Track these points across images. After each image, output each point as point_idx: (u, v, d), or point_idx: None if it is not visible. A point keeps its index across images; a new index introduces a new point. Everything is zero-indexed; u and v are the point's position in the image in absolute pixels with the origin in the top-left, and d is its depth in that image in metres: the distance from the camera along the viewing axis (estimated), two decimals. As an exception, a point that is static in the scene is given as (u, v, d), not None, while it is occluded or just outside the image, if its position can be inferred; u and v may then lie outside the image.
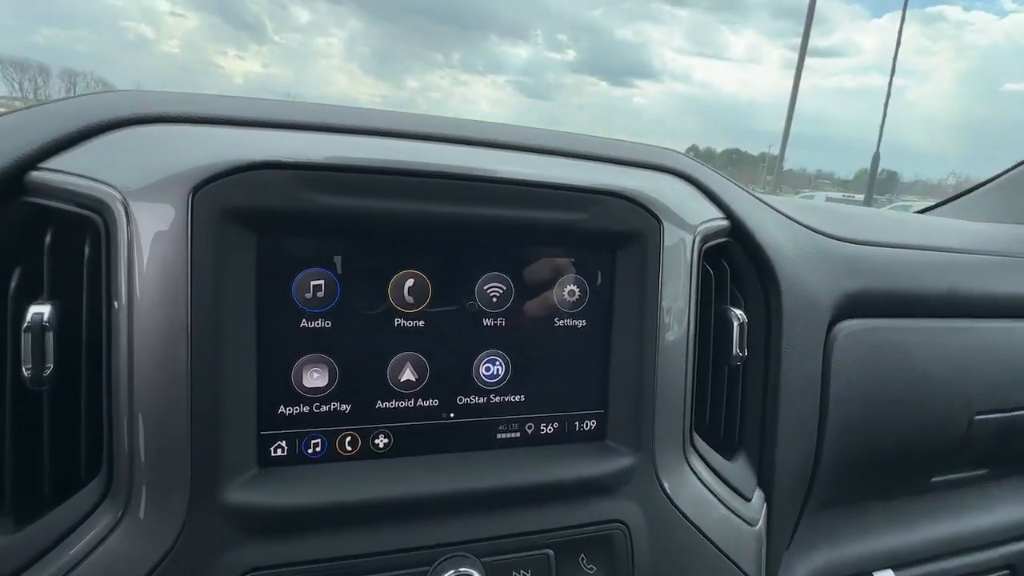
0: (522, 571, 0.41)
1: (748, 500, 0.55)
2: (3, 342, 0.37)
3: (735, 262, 0.57)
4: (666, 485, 0.47)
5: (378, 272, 0.41)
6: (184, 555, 0.36)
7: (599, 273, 0.47)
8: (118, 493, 0.37)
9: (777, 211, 0.64)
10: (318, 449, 0.41)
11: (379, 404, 0.42)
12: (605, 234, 0.46)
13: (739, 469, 0.57)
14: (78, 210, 0.37)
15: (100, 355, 0.37)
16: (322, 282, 0.40)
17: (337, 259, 0.40)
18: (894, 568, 0.77)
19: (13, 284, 0.37)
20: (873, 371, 0.68)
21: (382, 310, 0.41)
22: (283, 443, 0.40)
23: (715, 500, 0.51)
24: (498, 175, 0.42)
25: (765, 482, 0.59)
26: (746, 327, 0.54)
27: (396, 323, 0.42)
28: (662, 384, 0.48)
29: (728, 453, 0.57)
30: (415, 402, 0.43)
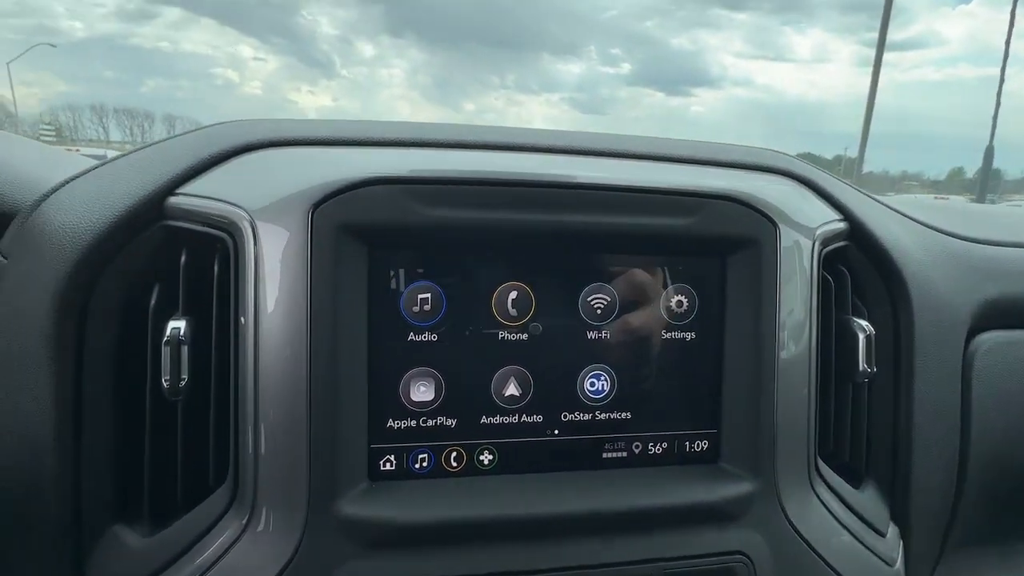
0: None
1: (883, 535, 0.49)
2: (144, 355, 0.40)
3: (855, 269, 0.52)
4: (791, 514, 0.43)
5: (482, 285, 0.41)
6: (304, 566, 0.36)
7: (709, 282, 0.44)
8: (243, 501, 0.38)
9: (897, 211, 0.58)
10: (425, 464, 0.41)
11: (484, 419, 0.41)
12: (715, 240, 0.43)
13: (870, 500, 0.51)
14: (210, 230, 0.39)
15: (228, 368, 0.39)
16: (429, 296, 0.40)
17: (444, 273, 0.40)
18: None
19: (153, 301, 0.40)
20: (1021, 389, 0.60)
21: (486, 323, 0.41)
22: (392, 457, 0.40)
23: (847, 534, 0.46)
24: (602, 182, 0.41)
25: (900, 516, 0.52)
26: (873, 339, 0.49)
27: (500, 336, 0.41)
28: (782, 402, 0.44)
29: (855, 482, 0.51)
30: (519, 418, 0.42)
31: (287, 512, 0.37)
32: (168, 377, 0.38)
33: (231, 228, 0.38)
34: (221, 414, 0.39)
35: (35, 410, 0.38)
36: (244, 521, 0.37)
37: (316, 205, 0.37)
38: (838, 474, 0.50)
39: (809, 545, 0.43)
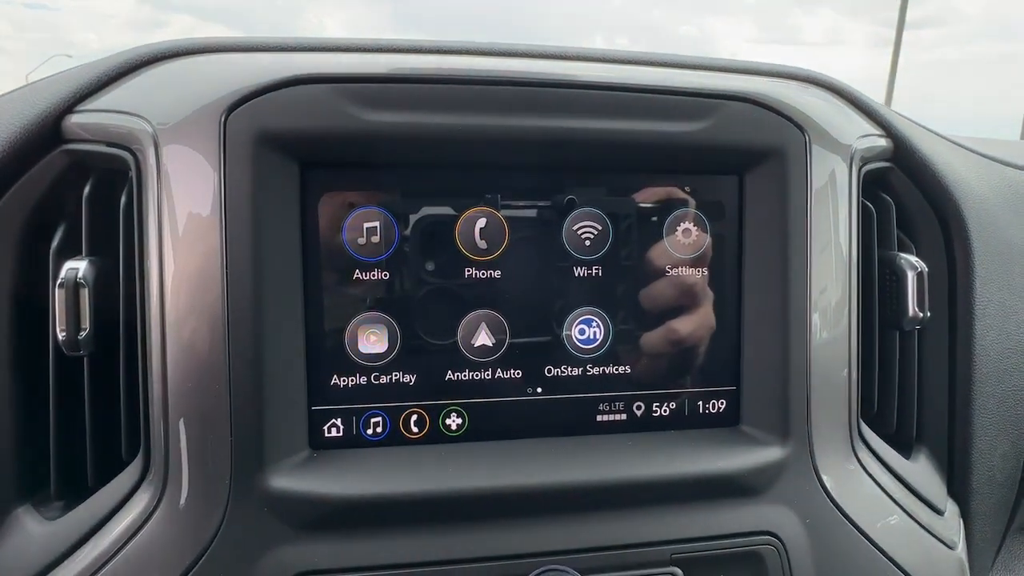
0: None
1: (940, 514, 0.41)
2: (47, 305, 0.33)
3: (900, 197, 0.44)
4: (830, 488, 0.35)
5: (443, 211, 0.33)
6: (225, 550, 0.30)
7: (723, 205, 0.36)
8: (156, 474, 0.31)
9: (948, 139, 0.50)
10: (379, 430, 0.34)
11: (450, 375, 0.34)
12: (731, 151, 0.35)
13: (923, 471, 0.42)
14: (111, 150, 0.32)
15: (136, 318, 0.32)
16: (377, 224, 0.33)
17: (393, 195, 0.33)
18: None
19: (55, 241, 0.34)
20: None
21: (450, 258, 0.34)
22: (338, 421, 0.33)
23: (899, 511, 0.38)
24: (591, 79, 0.33)
25: (958, 490, 0.44)
26: (926, 278, 0.41)
27: (467, 274, 0.34)
28: (817, 352, 0.36)
29: (904, 450, 0.43)
30: (494, 373, 0.34)
31: (205, 487, 0.30)
32: (64, 327, 0.32)
33: (132, 144, 0.32)
34: (131, 373, 0.33)
35: None
36: (157, 497, 0.31)
37: (229, 110, 0.30)
38: (885, 442, 0.42)
39: (854, 524, 0.35)
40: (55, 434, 0.34)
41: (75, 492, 0.34)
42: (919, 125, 0.48)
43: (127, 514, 0.31)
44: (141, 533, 0.31)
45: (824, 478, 0.35)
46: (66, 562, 0.32)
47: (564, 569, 0.30)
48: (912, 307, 0.40)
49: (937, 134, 0.50)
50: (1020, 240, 0.47)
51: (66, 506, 0.34)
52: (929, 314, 0.41)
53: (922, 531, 0.39)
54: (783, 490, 0.34)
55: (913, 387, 0.44)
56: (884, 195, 0.43)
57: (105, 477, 0.34)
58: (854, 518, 0.35)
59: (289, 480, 0.31)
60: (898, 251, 0.42)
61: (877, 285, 0.41)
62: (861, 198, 0.40)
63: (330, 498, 0.30)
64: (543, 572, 0.30)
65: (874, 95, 0.45)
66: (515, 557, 0.31)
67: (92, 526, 0.32)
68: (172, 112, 0.31)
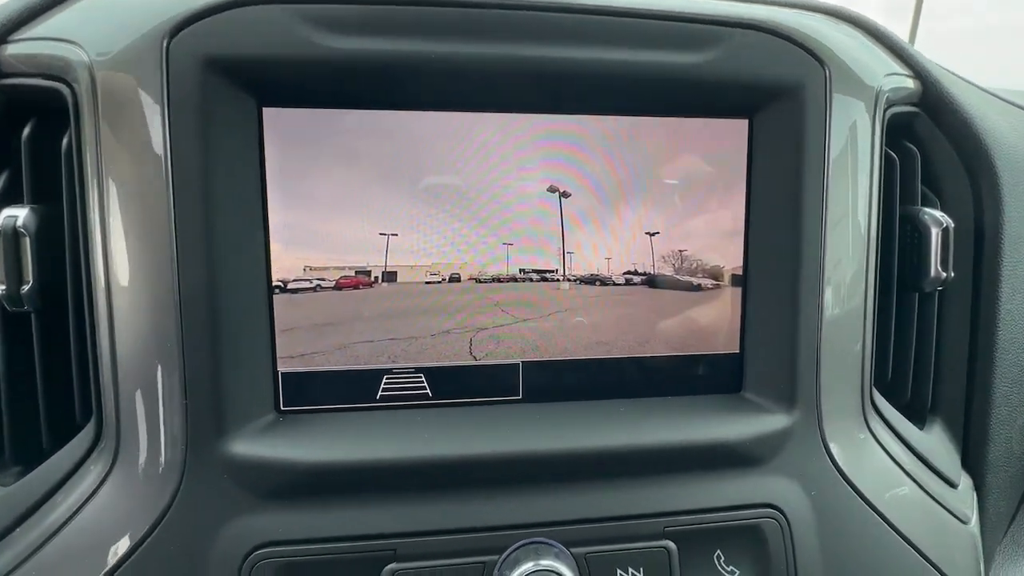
0: (630, 570, 0.29)
1: (954, 487, 0.39)
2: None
3: (928, 149, 0.40)
4: (838, 457, 0.33)
5: None
6: (181, 520, 0.28)
7: (729, 152, 0.32)
8: (108, 440, 0.29)
9: (985, 90, 0.45)
10: (349, 390, 0.31)
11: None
12: (740, 87, 0.31)
13: (937, 442, 0.40)
14: (45, 83, 0.29)
15: (81, 274, 0.30)
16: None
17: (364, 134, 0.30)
18: None
19: None
20: None
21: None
22: (306, 382, 0.31)
23: (911, 483, 0.35)
24: (578, 3, 0.29)
25: (974, 463, 0.41)
26: (951, 234, 0.37)
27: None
28: (829, 314, 0.33)
29: (918, 420, 0.40)
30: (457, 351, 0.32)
31: (159, 453, 0.28)
32: (3, 280, 0.29)
33: (67, 75, 0.28)
34: (81, 331, 0.30)
35: None
36: (109, 464, 0.29)
37: (172, 34, 0.27)
38: (900, 412, 0.39)
39: (862, 497, 0.33)
40: (5, 395, 0.31)
41: (31, 456, 0.32)
42: (950, 71, 0.44)
43: (80, 480, 0.29)
44: (93, 500, 0.28)
45: (832, 448, 0.33)
46: (19, 530, 0.30)
47: (546, 542, 0.28)
48: (935, 267, 0.37)
49: (969, 82, 0.45)
50: None
51: (22, 471, 0.32)
52: (953, 275, 0.38)
53: (934, 504, 0.36)
54: (787, 460, 0.32)
55: (931, 353, 0.41)
56: (908, 144, 0.39)
57: (61, 440, 0.31)
58: (863, 490, 0.33)
59: (252, 446, 0.28)
60: (921, 206, 0.39)
61: (897, 243, 0.38)
62: (884, 146, 0.36)
63: (296, 464, 0.28)
64: (522, 545, 0.28)
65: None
66: (494, 529, 0.28)
67: (45, 492, 0.30)
68: (110, 39, 0.28)
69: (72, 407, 0.32)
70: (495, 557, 0.28)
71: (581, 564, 0.28)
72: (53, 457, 0.31)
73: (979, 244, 0.40)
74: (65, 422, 0.32)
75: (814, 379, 0.32)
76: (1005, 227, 0.40)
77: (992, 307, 0.40)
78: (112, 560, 0.28)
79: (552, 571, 0.27)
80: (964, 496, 0.39)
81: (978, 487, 0.42)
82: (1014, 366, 0.41)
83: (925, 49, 0.40)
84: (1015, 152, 0.41)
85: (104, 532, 0.28)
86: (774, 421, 0.32)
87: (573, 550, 0.28)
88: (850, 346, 0.34)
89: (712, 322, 0.34)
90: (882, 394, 0.38)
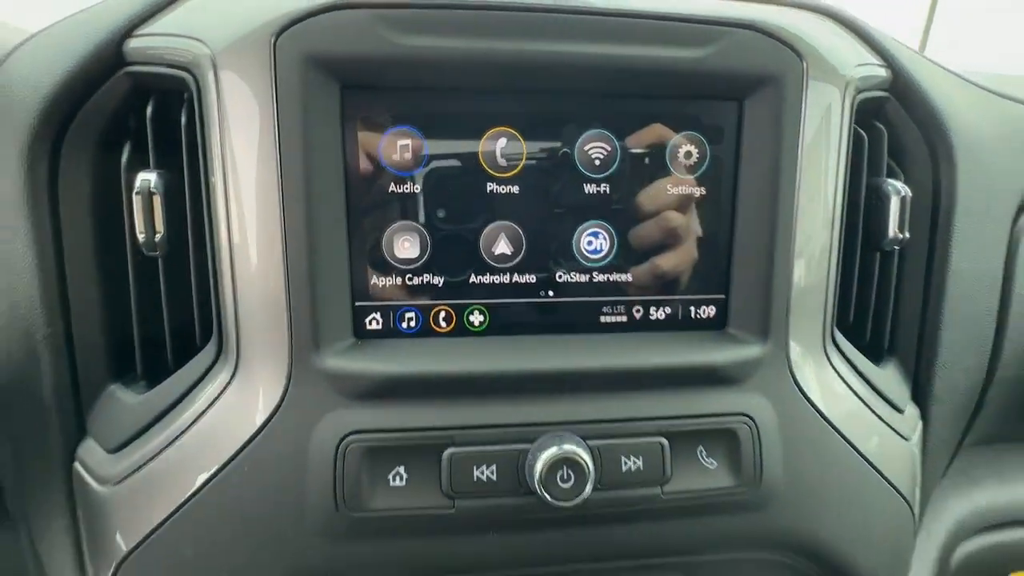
0: (632, 458, 0.37)
1: (900, 412, 0.47)
2: (123, 215, 0.38)
3: (895, 127, 0.46)
4: (800, 380, 0.40)
5: (468, 130, 0.37)
6: (289, 415, 0.36)
7: (723, 129, 0.39)
8: (228, 357, 0.37)
9: (952, 72, 0.51)
10: (412, 324, 0.39)
11: (473, 278, 0.39)
12: (732, 77, 0.38)
13: (890, 376, 0.48)
14: (172, 71, 0.36)
15: (203, 222, 0.37)
16: (409, 142, 0.37)
17: (425, 115, 0.37)
18: None
19: (124, 158, 0.38)
20: None
21: (473, 173, 0.38)
22: (378, 315, 0.39)
23: (861, 404, 0.43)
24: (606, 6, 0.36)
25: (921, 396, 0.49)
26: (908, 202, 0.44)
27: (488, 188, 0.38)
28: (800, 266, 0.40)
29: (876, 359, 0.48)
30: (511, 277, 0.39)
31: (270, 365, 0.36)
32: (142, 230, 0.37)
33: (192, 66, 0.35)
34: (202, 271, 0.38)
35: (20, 264, 0.37)
36: (230, 375, 0.37)
37: (278, 33, 0.34)
38: (860, 352, 0.47)
39: (818, 411, 0.41)
40: (137, 323, 0.40)
41: (156, 375, 0.40)
42: (924, 58, 0.50)
43: (206, 387, 0.37)
44: (218, 402, 0.37)
45: (796, 373, 0.40)
46: (157, 426, 0.38)
47: (567, 434, 0.36)
48: (892, 229, 0.44)
49: (942, 66, 0.51)
50: (1005, 166, 0.50)
51: (149, 385, 0.41)
52: (908, 235, 0.45)
53: (881, 423, 0.44)
54: (759, 381, 0.40)
55: (888, 304, 0.48)
56: (878, 123, 0.45)
57: (180, 362, 0.40)
58: (820, 407, 0.41)
59: (338, 360, 0.36)
60: (886, 177, 0.46)
61: (863, 208, 0.45)
62: (853, 125, 0.43)
63: (372, 374, 0.36)
64: (549, 435, 0.36)
65: (909, 40, 0.46)
66: (527, 425, 0.37)
67: (176, 398, 0.38)
68: (226, 35, 0.35)
69: (192, 334, 0.40)
70: (528, 445, 0.36)
71: (594, 452, 0.36)
72: (179, 372, 0.39)
73: (935, 211, 0.47)
74: (182, 347, 0.40)
75: (784, 319, 0.40)
76: (958, 198, 0.46)
77: (943, 267, 0.47)
78: (234, 447, 0.36)
79: (573, 454, 0.35)
80: (909, 420, 0.47)
81: (923, 416, 0.50)
82: (960, 316, 0.48)
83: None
84: (973, 131, 0.48)
85: (226, 427, 0.36)
86: (751, 351, 0.40)
87: (588, 442, 0.36)
88: (816, 293, 0.41)
89: (704, 272, 0.41)
90: (845, 335, 0.46)
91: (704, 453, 0.38)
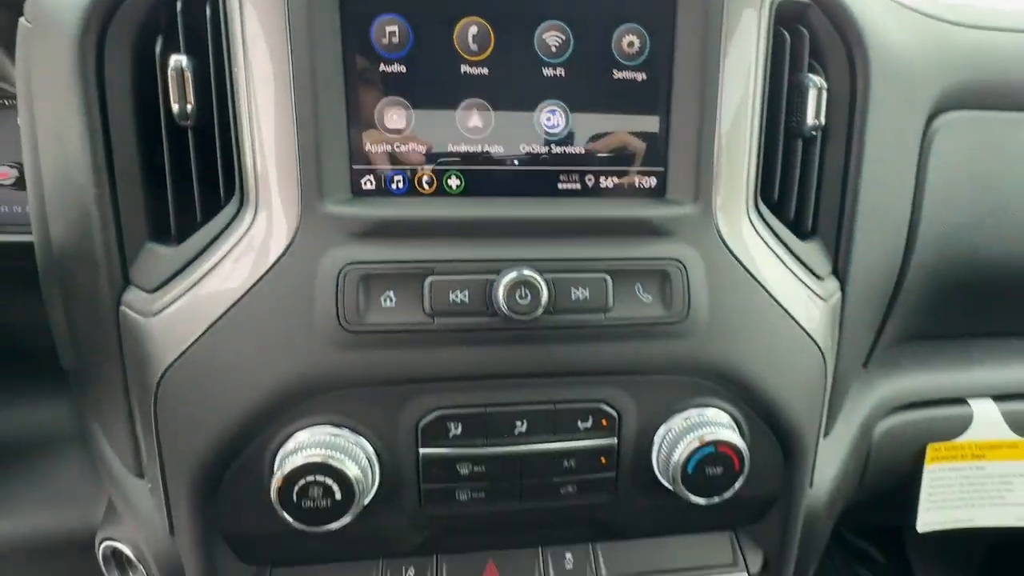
0: (580, 289, 0.45)
1: (819, 279, 0.55)
2: (158, 94, 0.46)
3: (818, 34, 0.54)
4: (725, 236, 0.48)
5: (444, 18, 0.45)
6: (298, 251, 0.44)
7: (661, 21, 0.47)
8: (248, 207, 0.45)
9: None
10: (400, 185, 0.47)
11: (451, 147, 0.47)
12: None
13: (811, 250, 0.56)
14: None
15: (227, 98, 0.45)
16: (396, 28, 0.44)
17: (408, 5, 0.44)
18: (996, 398, 0.72)
19: (159, 47, 0.46)
20: (980, 171, 0.62)
21: (450, 57, 0.45)
22: (371, 177, 0.47)
23: (781, 264, 0.51)
24: None
25: (841, 271, 0.57)
26: (824, 93, 0.52)
27: (462, 70, 0.46)
28: (724, 144, 0.48)
29: (801, 239, 0.56)
30: (483, 148, 0.47)
31: (283, 212, 0.44)
32: (176, 101, 0.45)
33: None
34: (225, 140, 0.46)
35: (74, 136, 0.45)
36: (250, 222, 0.45)
37: None
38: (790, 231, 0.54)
39: (740, 263, 0.49)
40: (171, 184, 0.47)
41: (187, 233, 0.48)
42: None
43: (230, 234, 0.45)
44: (241, 244, 0.45)
45: (721, 230, 0.48)
46: (190, 267, 0.46)
47: (527, 267, 0.44)
48: (811, 116, 0.52)
49: None
50: (918, 72, 0.57)
51: (182, 242, 0.49)
52: (824, 122, 0.53)
53: (799, 283, 0.52)
54: (690, 235, 0.48)
55: (811, 188, 0.56)
56: (801, 26, 0.53)
57: (208, 219, 0.48)
58: (742, 260, 0.49)
59: (339, 207, 0.44)
60: (808, 73, 0.53)
61: (785, 100, 0.53)
62: (777, 26, 0.50)
63: (367, 217, 0.44)
64: (511, 267, 0.44)
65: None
66: (494, 261, 0.45)
67: (205, 244, 0.46)
68: None
69: (217, 196, 0.48)
70: (494, 276, 0.44)
71: (548, 283, 0.44)
72: (206, 226, 0.47)
73: (852, 105, 0.55)
74: (211, 208, 0.48)
75: (710, 185, 0.48)
76: (872, 89, 0.54)
77: (859, 153, 0.55)
78: (255, 277, 0.44)
79: (530, 277, 0.43)
80: (827, 286, 0.55)
81: (843, 290, 0.57)
82: (876, 200, 0.56)
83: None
84: (888, 34, 0.55)
85: (248, 262, 0.44)
86: (683, 209, 0.48)
87: (544, 275, 0.44)
88: (739, 165, 0.49)
89: (646, 148, 0.49)
90: (773, 213, 0.54)
91: (641, 289, 0.47)
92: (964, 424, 0.71)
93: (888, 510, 0.77)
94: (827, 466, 0.61)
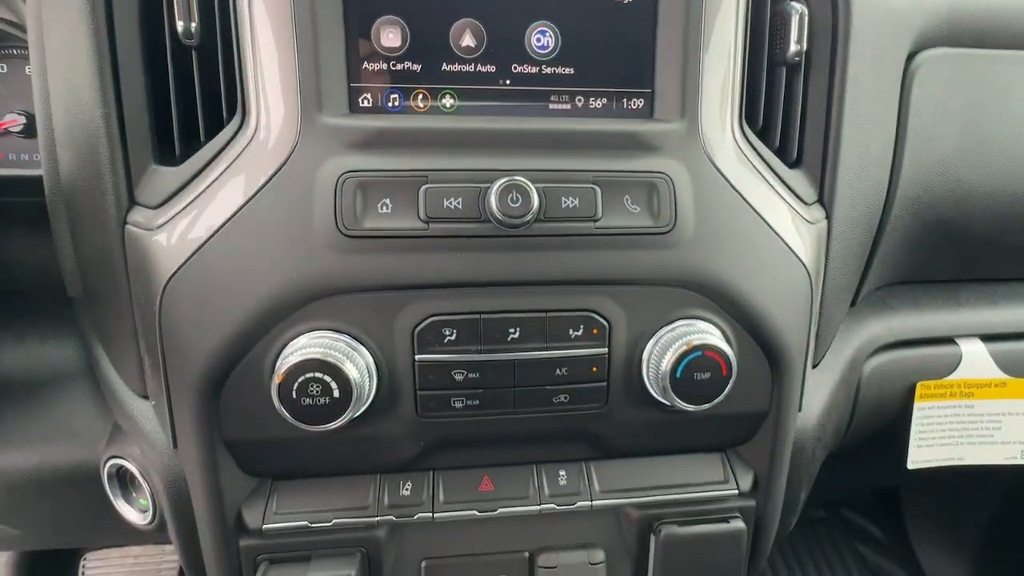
0: (570, 198, 0.47)
1: (806, 204, 0.56)
2: (163, 15, 0.48)
3: None
4: (711, 153, 0.50)
5: None
6: (299, 161, 0.46)
7: None
8: (250, 121, 0.47)
9: None
10: (396, 103, 0.49)
11: (445, 66, 0.49)
12: None
13: (797, 176, 0.57)
14: None
15: (229, 19, 0.47)
16: (391, -53, 0.46)
17: None
18: (984, 338, 0.73)
19: None
20: (963, 106, 0.63)
21: None
22: (368, 95, 0.48)
23: (765, 183, 0.53)
24: None
25: (827, 201, 0.58)
26: (806, 19, 0.53)
27: None
28: (708, 68, 0.49)
29: (788, 167, 0.57)
30: (475, 67, 0.49)
31: (283, 124, 0.46)
32: (182, 19, 0.46)
33: None
34: (228, 60, 0.48)
35: (82, 58, 0.47)
36: (251, 135, 0.47)
37: None
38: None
39: (727, 179, 0.50)
40: (176, 104, 0.49)
41: (193, 148, 0.50)
42: None
43: (233, 147, 0.47)
44: (243, 155, 0.47)
45: (707, 147, 0.50)
46: (194, 181, 0.48)
47: (520, 178, 0.46)
48: (793, 42, 0.54)
49: None
50: (901, 15, 0.59)
51: (186, 156, 0.50)
52: (806, 47, 0.54)
53: (784, 204, 0.54)
54: (677, 151, 0.49)
55: (795, 115, 0.57)
56: None
57: (211, 138, 0.49)
58: (728, 176, 0.50)
59: (339, 120, 0.46)
60: (791, 1, 0.55)
61: (769, 29, 0.54)
62: None
63: (364, 127, 0.46)
64: (504, 176, 0.46)
65: None
66: (487, 171, 0.46)
67: (208, 160, 0.48)
68: None
69: (221, 118, 0.49)
70: (489, 185, 0.46)
71: (539, 192, 0.46)
72: (209, 143, 0.49)
73: (835, 34, 0.56)
74: (214, 127, 0.50)
75: (696, 104, 0.49)
76: (852, 21, 0.56)
77: (842, 83, 0.56)
78: (257, 185, 0.46)
79: (521, 182, 0.45)
80: (813, 212, 0.57)
81: (828, 219, 0.59)
82: (859, 131, 0.57)
83: None
84: None
85: (251, 172, 0.46)
86: (670, 125, 0.49)
87: (536, 184, 0.46)
88: (724, 86, 0.50)
89: (634, 70, 0.51)
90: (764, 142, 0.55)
91: (629, 200, 0.48)
92: (953, 363, 0.72)
93: (881, 457, 0.78)
94: (816, 393, 0.62)
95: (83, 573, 1.24)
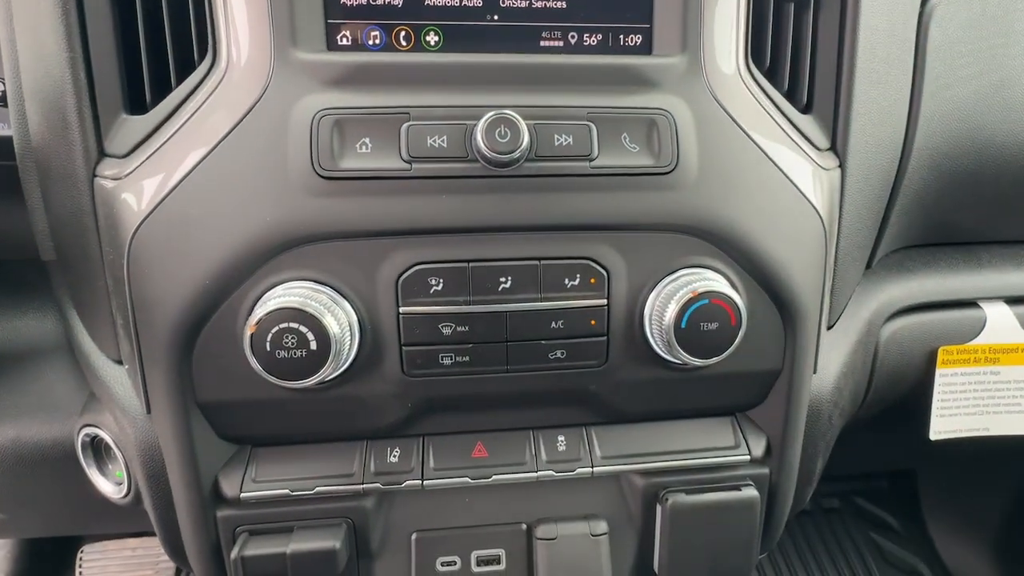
0: (564, 136, 0.43)
1: (819, 149, 0.53)
2: None
3: None
4: (714, 88, 0.47)
5: None
6: (272, 100, 0.43)
7: None
8: (220, 61, 0.44)
9: None
10: (377, 41, 0.46)
11: (429, 0, 0.46)
12: None
13: (809, 122, 0.53)
14: None
15: None
16: None
17: None
18: (1009, 301, 0.69)
19: None
20: (981, 48, 0.59)
21: None
22: (347, 33, 0.45)
23: (774, 124, 0.49)
24: None
25: (840, 148, 0.55)
26: None
27: None
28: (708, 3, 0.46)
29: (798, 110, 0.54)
30: (461, 1, 0.46)
31: (255, 61, 0.43)
32: None
33: None
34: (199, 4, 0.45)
35: (48, 10, 0.44)
36: (222, 75, 0.44)
37: None
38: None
39: (733, 119, 0.47)
40: (146, 50, 0.46)
41: (165, 92, 0.47)
42: None
43: (203, 88, 0.44)
44: (215, 95, 0.44)
45: (711, 83, 0.46)
46: (163, 127, 0.45)
47: (509, 112, 0.43)
48: None
49: None
50: None
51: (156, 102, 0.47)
52: None
53: (795, 146, 0.50)
54: (679, 87, 0.46)
55: (805, 57, 0.54)
56: None
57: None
58: (734, 115, 0.47)
59: (316, 55, 0.43)
60: None
61: None
62: None
63: (342, 62, 0.43)
64: (492, 111, 0.42)
65: None
66: (474, 107, 0.43)
67: (177, 104, 0.45)
68: None
69: (192, 65, 0.46)
70: (475, 122, 0.42)
71: (530, 129, 0.43)
72: (180, 86, 0.46)
73: None
74: (185, 73, 0.47)
75: (698, 39, 0.46)
76: None
77: (854, 23, 0.53)
78: (228, 126, 0.43)
79: (509, 115, 0.41)
80: (826, 158, 0.53)
81: (842, 168, 0.55)
82: (873, 76, 0.54)
83: None
84: None
85: (223, 112, 0.43)
86: (670, 59, 0.46)
87: (526, 121, 0.43)
88: (728, 20, 0.47)
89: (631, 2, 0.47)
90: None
91: (628, 139, 0.45)
92: (977, 328, 0.68)
93: (899, 433, 0.74)
94: (832, 355, 0.58)
95: (80, 565, 1.22)
